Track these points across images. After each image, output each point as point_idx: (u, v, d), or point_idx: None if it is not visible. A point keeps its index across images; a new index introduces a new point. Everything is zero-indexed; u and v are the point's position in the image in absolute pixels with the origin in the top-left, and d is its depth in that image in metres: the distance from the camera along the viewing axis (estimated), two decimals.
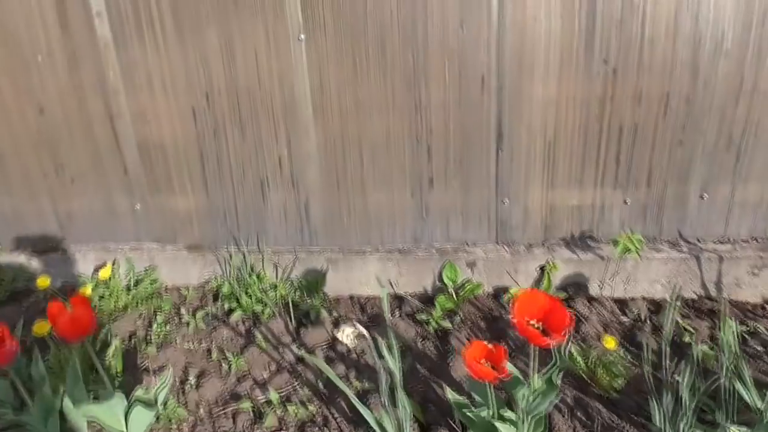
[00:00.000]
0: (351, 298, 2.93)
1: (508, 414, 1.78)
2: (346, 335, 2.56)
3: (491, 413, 1.75)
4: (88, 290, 2.70)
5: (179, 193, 2.93)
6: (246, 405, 2.27)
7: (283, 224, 2.93)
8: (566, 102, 2.54)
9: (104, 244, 3.11)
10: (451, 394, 1.99)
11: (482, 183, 2.72)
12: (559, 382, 1.74)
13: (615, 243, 2.64)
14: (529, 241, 2.83)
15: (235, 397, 2.35)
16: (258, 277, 2.89)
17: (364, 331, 2.02)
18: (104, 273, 2.78)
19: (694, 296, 2.68)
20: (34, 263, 3.12)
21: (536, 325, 1.51)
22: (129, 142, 2.86)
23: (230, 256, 2.97)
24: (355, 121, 2.66)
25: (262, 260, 2.93)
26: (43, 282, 2.65)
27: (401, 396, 1.86)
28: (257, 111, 2.71)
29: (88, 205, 3.02)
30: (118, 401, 1.99)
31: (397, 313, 2.78)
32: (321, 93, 2.63)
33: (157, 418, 2.19)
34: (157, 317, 2.84)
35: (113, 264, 3.05)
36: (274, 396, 2.29)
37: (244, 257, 2.95)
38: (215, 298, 2.97)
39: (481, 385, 1.78)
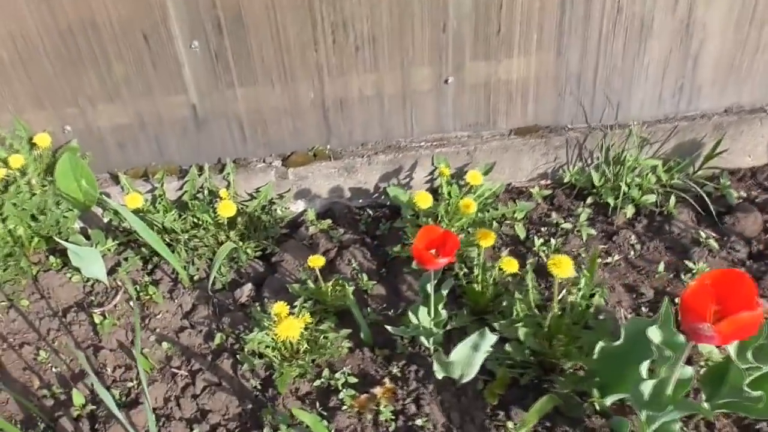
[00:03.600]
0: (732, 173, 2.26)
1: None
2: None
3: None
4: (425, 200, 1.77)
5: (519, 53, 2.04)
6: None
7: (656, 85, 2.15)
8: None
9: (392, 141, 2.17)
10: None
11: None
12: None
13: None
14: None
15: None
16: (635, 159, 2.11)
17: None
18: (474, 177, 1.87)
19: None
20: (291, 179, 2.11)
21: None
22: None
23: (584, 137, 2.16)
24: None
25: (628, 136, 2.15)
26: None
27: None
28: None
29: (374, 83, 2.04)
30: None
31: None
32: None
33: None
34: (516, 229, 2.01)
35: (411, 168, 2.14)
36: None
37: (604, 135, 2.16)
38: (568, 194, 2.18)
39: None
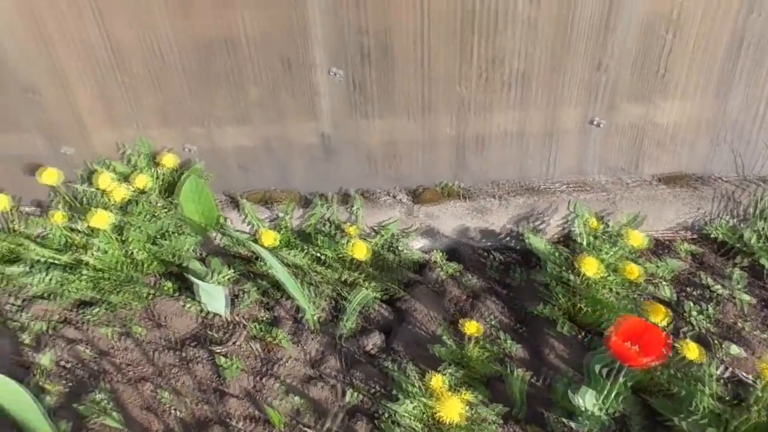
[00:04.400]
0: None
1: None
2: None
3: None
4: (592, 266, 1.62)
5: (676, 96, 1.87)
6: None
7: None
8: None
9: (526, 182, 2.03)
10: None
11: None
12: None
13: None
14: None
15: None
16: None
17: None
18: (636, 238, 1.72)
19: None
20: (419, 216, 1.99)
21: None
22: (627, 16, 1.72)
23: (736, 189, 2.00)
24: None
25: None
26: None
27: None
28: None
29: (517, 121, 1.90)
30: None
31: None
32: None
33: None
34: (663, 290, 1.85)
35: (546, 212, 1.99)
36: None
37: (764, 191, 1.99)
38: (715, 251, 2.01)
39: None
